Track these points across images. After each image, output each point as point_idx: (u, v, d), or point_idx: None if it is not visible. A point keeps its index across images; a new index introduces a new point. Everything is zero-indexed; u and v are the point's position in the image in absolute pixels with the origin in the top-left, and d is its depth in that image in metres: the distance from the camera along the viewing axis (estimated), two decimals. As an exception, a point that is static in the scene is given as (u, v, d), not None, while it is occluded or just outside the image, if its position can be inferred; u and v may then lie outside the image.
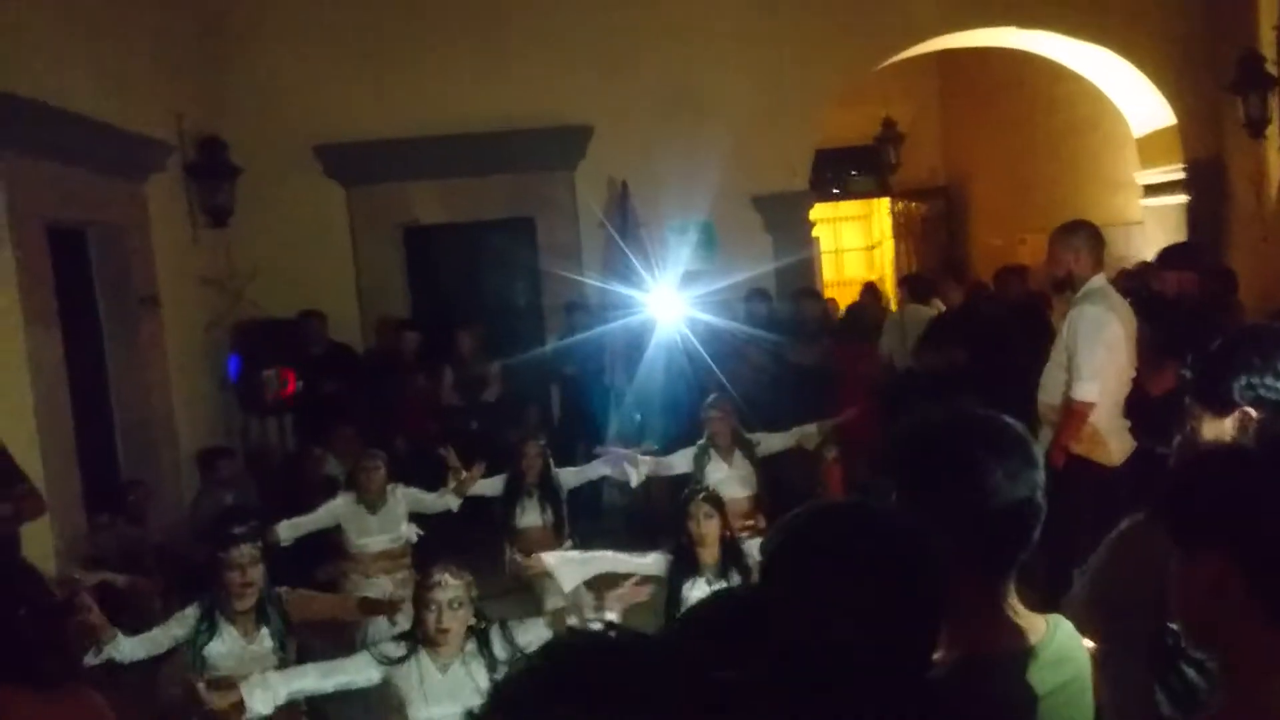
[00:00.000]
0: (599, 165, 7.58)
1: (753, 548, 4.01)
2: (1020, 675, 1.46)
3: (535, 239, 7.74)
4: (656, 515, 5.80)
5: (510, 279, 7.97)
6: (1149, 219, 8.30)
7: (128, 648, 3.42)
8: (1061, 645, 1.50)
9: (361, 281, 7.63)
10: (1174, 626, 1.80)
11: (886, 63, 8.12)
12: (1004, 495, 1.46)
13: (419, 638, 3.23)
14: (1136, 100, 8.21)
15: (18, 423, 4.55)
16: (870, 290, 10.05)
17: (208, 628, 3.52)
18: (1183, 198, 7.92)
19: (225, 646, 3.51)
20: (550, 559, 4.08)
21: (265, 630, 3.54)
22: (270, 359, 6.63)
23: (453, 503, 5.01)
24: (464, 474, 5.05)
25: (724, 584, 3.88)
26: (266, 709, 3.12)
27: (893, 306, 10.15)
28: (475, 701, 3.16)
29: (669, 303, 7.03)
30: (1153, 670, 1.86)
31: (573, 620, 3.39)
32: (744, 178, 7.54)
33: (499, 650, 3.27)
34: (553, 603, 4.39)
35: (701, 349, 6.67)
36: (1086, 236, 4.18)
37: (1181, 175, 7.93)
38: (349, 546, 5.01)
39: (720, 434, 5.32)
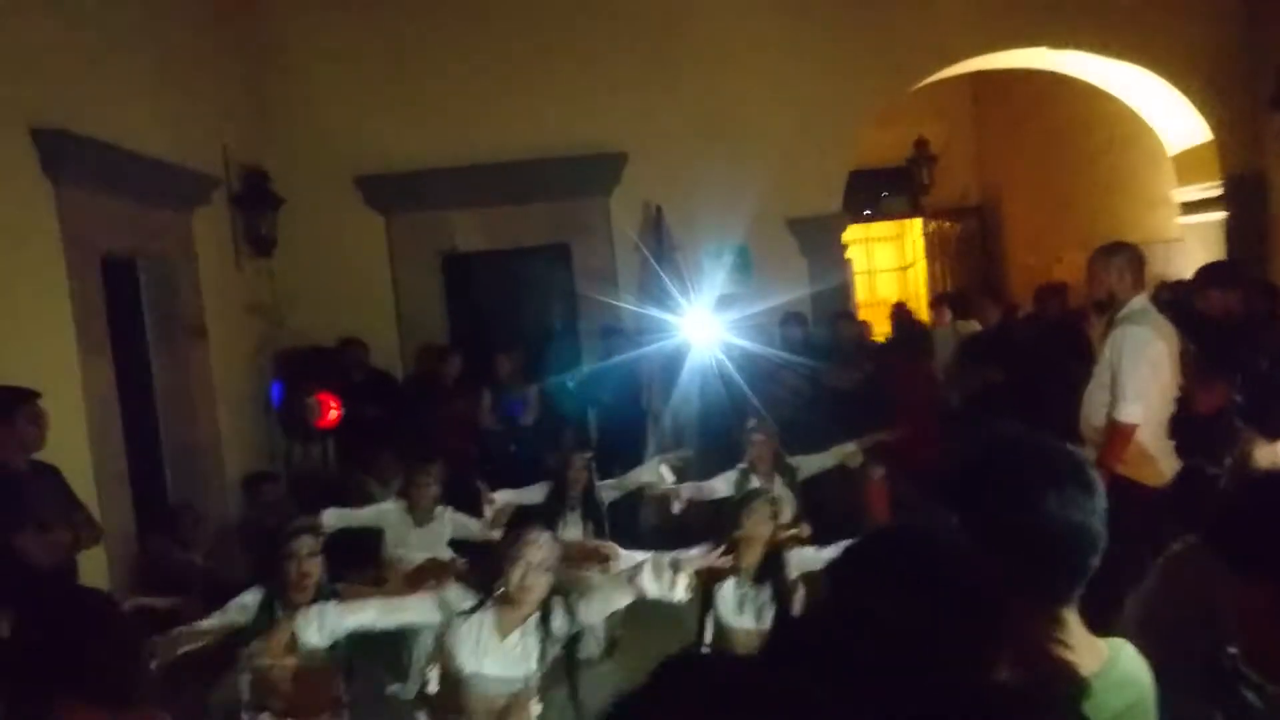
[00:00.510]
0: (634, 190, 7.65)
1: (795, 558, 4.02)
2: (1075, 702, 1.46)
3: (571, 264, 7.82)
4: (693, 539, 5.82)
5: (547, 304, 8.05)
6: (1188, 236, 8.23)
7: (172, 650, 3.37)
8: (1124, 669, 1.50)
9: (401, 309, 7.74)
10: (1231, 650, 1.80)
11: (919, 84, 8.14)
12: (1059, 522, 1.46)
13: (493, 593, 3.19)
14: (1172, 117, 8.17)
15: (73, 451, 4.65)
16: (901, 311, 9.96)
17: (266, 618, 3.55)
18: (1221, 214, 7.86)
19: None
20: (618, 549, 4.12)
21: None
22: (313, 386, 6.74)
23: (495, 535, 5.06)
24: (495, 501, 5.11)
25: (753, 589, 3.91)
26: (321, 642, 3.14)
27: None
28: (523, 672, 3.19)
29: (704, 326, 7.06)
30: (1209, 693, 1.85)
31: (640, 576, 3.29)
32: (778, 201, 7.58)
33: (559, 624, 3.24)
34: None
35: (736, 373, 6.69)
36: (1128, 257, 4.18)
37: (1219, 191, 7.87)
38: (385, 552, 5.06)
39: (761, 457, 5.34)
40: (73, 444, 4.70)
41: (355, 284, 7.53)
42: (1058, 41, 7.78)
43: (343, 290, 7.45)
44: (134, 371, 5.77)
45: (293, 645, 3.20)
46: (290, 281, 7.32)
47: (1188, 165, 8.21)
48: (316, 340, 7.21)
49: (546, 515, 5.21)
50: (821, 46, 7.66)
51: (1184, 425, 4.20)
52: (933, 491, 1.51)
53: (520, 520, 3.42)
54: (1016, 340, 6.79)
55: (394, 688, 5.32)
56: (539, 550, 3.16)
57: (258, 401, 6.99)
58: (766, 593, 3.93)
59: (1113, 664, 1.50)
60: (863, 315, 10.63)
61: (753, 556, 3.97)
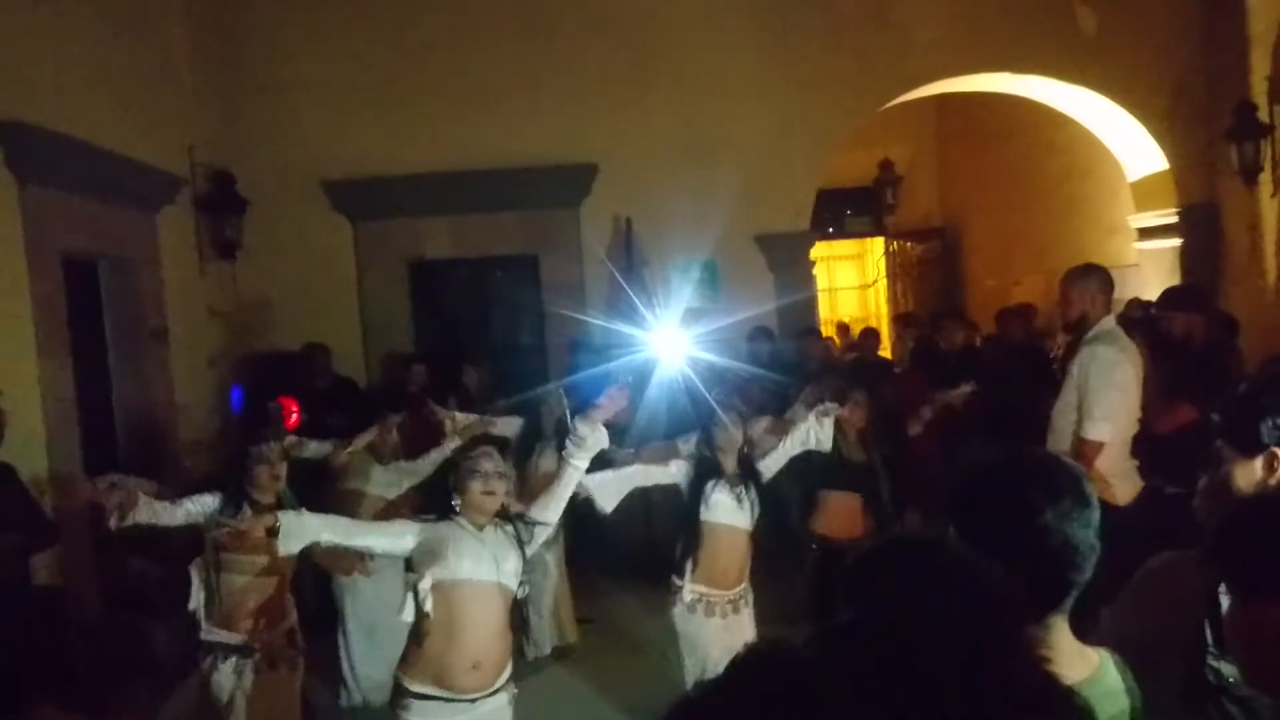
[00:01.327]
0: (604, 202, 7.65)
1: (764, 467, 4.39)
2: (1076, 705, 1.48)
3: (539, 276, 7.80)
4: (659, 542, 5.82)
5: (515, 316, 8.00)
6: (1144, 261, 8.42)
7: (144, 513, 3.64)
8: (1114, 678, 1.53)
9: (366, 315, 7.65)
10: (1214, 665, 1.83)
11: (886, 106, 8.25)
12: (1055, 534, 1.48)
13: (455, 508, 3.30)
14: (1131, 145, 8.36)
15: (30, 453, 4.55)
16: (869, 332, 9.96)
17: (231, 515, 3.72)
18: (1177, 241, 8.05)
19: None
20: (588, 481, 4.16)
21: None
22: (275, 391, 6.63)
23: (449, 445, 5.09)
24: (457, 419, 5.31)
25: (742, 489, 4.26)
26: (294, 547, 3.26)
27: (885, 345, 10.17)
28: (509, 562, 3.28)
29: (672, 341, 7.05)
30: (1192, 707, 1.89)
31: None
32: (747, 217, 7.62)
33: (522, 529, 3.39)
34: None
35: (702, 387, 6.68)
36: (1100, 280, 4.28)
37: (1175, 219, 8.06)
38: (343, 485, 5.10)
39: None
40: (30, 447, 4.59)
41: (320, 289, 7.44)
42: (1018, 67, 7.94)
43: (307, 295, 7.35)
44: (92, 373, 5.65)
45: (269, 539, 3.31)
46: (254, 286, 7.22)
47: (1145, 193, 8.41)
48: (280, 345, 7.11)
49: (523, 447, 5.45)
50: (793, 67, 7.74)
51: (1146, 445, 4.28)
52: (935, 498, 1.53)
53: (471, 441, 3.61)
54: (983, 362, 6.86)
55: (345, 698, 5.27)
56: (490, 460, 3.32)
57: (220, 406, 6.87)
58: (753, 492, 4.27)
59: (1104, 673, 1.53)
60: (824, 333, 10.70)
61: (730, 463, 4.29)
